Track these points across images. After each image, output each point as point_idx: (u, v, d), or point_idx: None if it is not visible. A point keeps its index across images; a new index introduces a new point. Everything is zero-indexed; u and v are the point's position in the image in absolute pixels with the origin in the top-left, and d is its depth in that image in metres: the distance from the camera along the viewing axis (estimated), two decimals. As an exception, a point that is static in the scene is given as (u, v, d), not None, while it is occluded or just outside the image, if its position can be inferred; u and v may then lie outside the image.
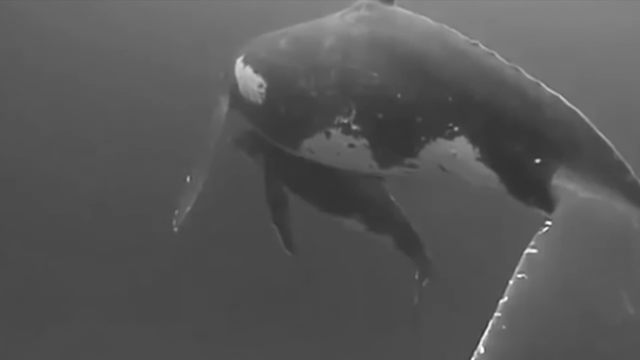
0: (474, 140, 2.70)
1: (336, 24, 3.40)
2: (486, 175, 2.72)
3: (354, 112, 3.09)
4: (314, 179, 4.29)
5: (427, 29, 2.97)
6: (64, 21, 5.63)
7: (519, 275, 1.95)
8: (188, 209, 3.66)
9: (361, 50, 3.11)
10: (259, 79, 3.66)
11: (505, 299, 1.89)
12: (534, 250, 2.05)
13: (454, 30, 2.88)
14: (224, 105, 4.11)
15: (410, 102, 2.87)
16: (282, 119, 3.56)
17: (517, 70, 2.64)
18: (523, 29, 5.50)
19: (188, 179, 3.81)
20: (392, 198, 4.32)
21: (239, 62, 3.98)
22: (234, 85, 4.00)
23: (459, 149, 2.76)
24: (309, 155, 3.58)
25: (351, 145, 3.19)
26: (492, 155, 2.67)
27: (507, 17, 5.68)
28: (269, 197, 4.42)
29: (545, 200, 2.47)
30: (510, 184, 2.66)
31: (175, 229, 3.64)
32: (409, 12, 3.21)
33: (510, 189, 2.68)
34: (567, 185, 2.36)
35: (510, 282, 1.92)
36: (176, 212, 3.68)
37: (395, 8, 3.29)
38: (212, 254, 5.12)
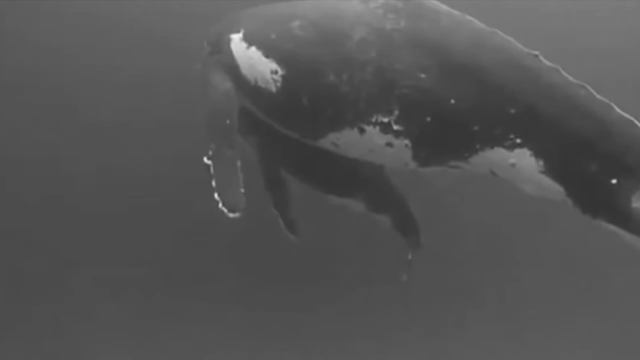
0: (538, 153, 2.77)
1: (360, 11, 3.20)
2: (551, 187, 2.81)
3: (396, 112, 3.01)
4: (311, 160, 4.17)
5: (480, 34, 2.89)
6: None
7: None
8: (241, 190, 3.34)
9: (403, 48, 2.99)
10: (272, 65, 3.40)
11: None
12: None
13: (508, 37, 2.84)
14: (224, 81, 3.75)
15: (466, 109, 2.84)
16: (303, 110, 3.37)
17: (585, 88, 2.67)
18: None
19: (206, 159, 3.42)
20: (391, 179, 4.33)
21: (238, 40, 3.65)
22: (232, 64, 3.68)
23: (519, 160, 2.82)
24: (331, 148, 3.47)
25: (389, 144, 3.13)
26: (560, 171, 2.75)
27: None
28: (266, 181, 4.25)
29: (621, 219, 2.63)
30: (579, 199, 2.77)
31: (232, 215, 3.26)
32: (446, 7, 3.10)
33: (578, 204, 2.79)
34: None
35: None
36: (216, 195, 3.30)
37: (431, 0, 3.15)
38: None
